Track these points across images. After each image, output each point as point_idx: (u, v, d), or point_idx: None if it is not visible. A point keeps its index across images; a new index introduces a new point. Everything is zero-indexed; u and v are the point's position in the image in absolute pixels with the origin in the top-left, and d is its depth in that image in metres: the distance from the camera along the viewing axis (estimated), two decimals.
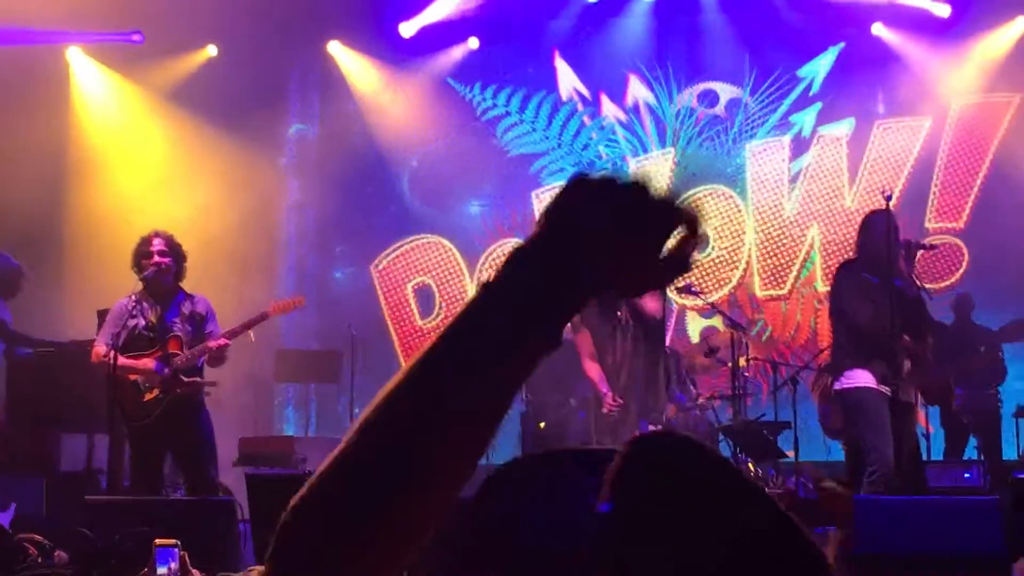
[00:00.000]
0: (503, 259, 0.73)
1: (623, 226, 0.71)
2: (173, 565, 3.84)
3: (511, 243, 8.14)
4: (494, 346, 0.70)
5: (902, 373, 5.95)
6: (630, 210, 0.70)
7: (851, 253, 6.42)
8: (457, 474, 0.71)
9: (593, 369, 6.22)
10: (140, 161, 9.30)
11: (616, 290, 0.75)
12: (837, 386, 6.16)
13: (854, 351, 5.98)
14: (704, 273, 9.23)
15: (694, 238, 0.71)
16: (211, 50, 9.24)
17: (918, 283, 6.10)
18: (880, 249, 5.90)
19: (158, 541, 4.01)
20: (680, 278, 0.76)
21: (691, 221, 0.71)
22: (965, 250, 8.87)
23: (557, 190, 0.73)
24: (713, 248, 9.38)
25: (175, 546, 3.91)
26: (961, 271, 8.82)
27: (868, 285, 5.89)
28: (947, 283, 8.62)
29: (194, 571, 3.87)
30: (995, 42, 8.93)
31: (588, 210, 0.70)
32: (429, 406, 0.69)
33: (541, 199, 9.63)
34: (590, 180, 0.71)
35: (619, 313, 6.27)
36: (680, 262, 0.72)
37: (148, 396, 6.06)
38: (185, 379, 6.07)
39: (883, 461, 5.64)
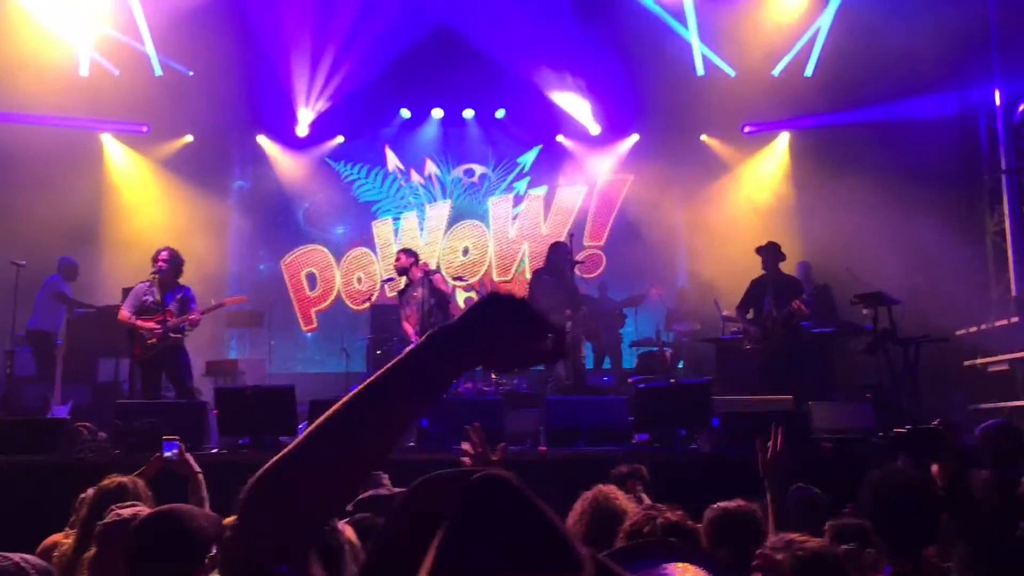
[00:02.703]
0: (432, 334, 0.83)
1: (512, 328, 0.81)
2: (175, 452, 3.83)
3: (362, 251, 12.08)
4: (395, 393, 0.83)
5: (566, 329, 6.07)
6: (519, 317, 0.81)
7: (542, 261, 8.51)
8: (374, 445, 0.85)
9: (408, 325, 8.00)
10: (146, 200, 11.28)
11: (488, 367, 0.84)
12: None
13: None
14: (467, 268, 11.86)
15: (557, 340, 0.83)
16: (188, 137, 11.49)
17: (577, 278, 8.42)
18: (560, 262, 8.23)
19: (165, 436, 4.01)
20: (547, 363, 0.95)
21: (556, 331, 0.83)
22: (604, 257, 11.83)
23: (477, 299, 0.85)
24: (470, 254, 12.18)
25: (176, 439, 3.94)
26: (602, 268, 11.68)
27: (548, 282, 8.12)
28: (595, 275, 11.17)
29: (188, 455, 3.76)
30: (622, 146, 11.91)
31: (489, 317, 0.81)
32: (360, 412, 0.84)
33: (377, 226, 12.17)
34: (499, 297, 0.83)
35: (420, 295, 7.90)
36: (549, 353, 0.84)
37: (151, 341, 7.20)
38: (172, 335, 7.21)
39: (561, 376, 7.79)
